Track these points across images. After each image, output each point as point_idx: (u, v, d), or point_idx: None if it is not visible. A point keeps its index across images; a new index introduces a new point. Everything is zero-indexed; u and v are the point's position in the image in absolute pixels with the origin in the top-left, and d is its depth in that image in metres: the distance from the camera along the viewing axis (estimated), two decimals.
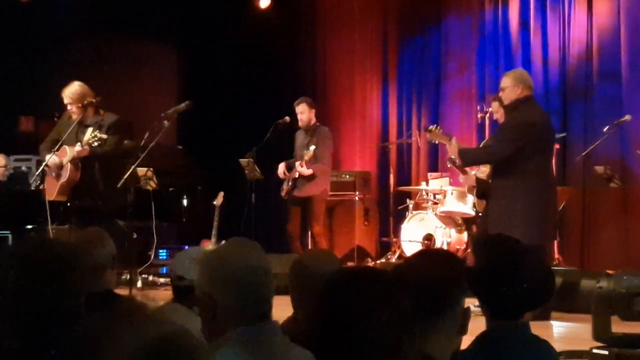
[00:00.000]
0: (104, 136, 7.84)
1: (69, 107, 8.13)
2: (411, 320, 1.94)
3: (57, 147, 8.05)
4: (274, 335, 2.54)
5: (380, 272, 2.11)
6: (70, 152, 7.95)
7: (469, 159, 7.67)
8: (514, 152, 7.06)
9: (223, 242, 2.90)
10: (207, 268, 2.63)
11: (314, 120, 9.54)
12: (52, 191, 8.11)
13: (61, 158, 8.01)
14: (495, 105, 8.13)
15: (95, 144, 7.82)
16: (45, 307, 2.22)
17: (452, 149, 7.57)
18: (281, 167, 9.58)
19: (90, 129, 7.95)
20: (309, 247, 9.44)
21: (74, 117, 8.12)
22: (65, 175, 8.01)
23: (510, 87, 7.30)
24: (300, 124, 9.52)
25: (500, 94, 7.53)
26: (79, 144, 7.87)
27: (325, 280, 2.05)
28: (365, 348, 1.88)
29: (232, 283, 2.53)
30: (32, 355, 2.18)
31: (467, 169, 8.81)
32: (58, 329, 2.18)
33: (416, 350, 2.01)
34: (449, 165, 9.82)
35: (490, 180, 7.67)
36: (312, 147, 9.13)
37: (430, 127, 7.77)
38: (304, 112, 9.47)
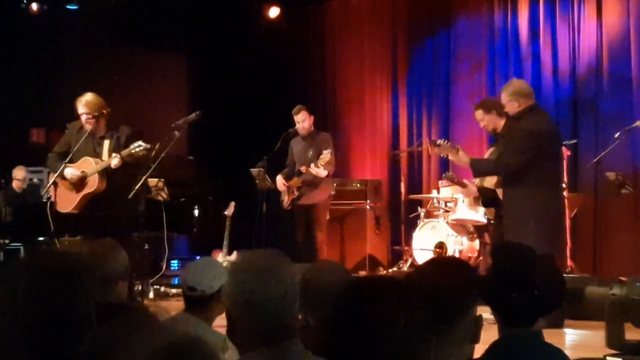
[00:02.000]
0: (149, 145, 7.85)
1: (84, 117, 7.98)
2: (426, 330, 1.93)
3: (68, 158, 7.98)
4: (291, 354, 2.51)
5: (396, 281, 2.10)
6: (99, 163, 7.89)
7: (480, 170, 7.65)
8: (526, 163, 7.05)
9: (249, 253, 2.77)
10: (228, 286, 2.60)
11: (312, 127, 9.51)
12: (68, 202, 8.06)
13: (81, 169, 7.97)
14: (479, 113, 8.08)
15: (140, 154, 7.82)
16: (55, 318, 2.22)
17: (460, 161, 7.54)
18: (279, 179, 9.52)
19: (107, 142, 7.95)
20: (314, 255, 9.35)
21: (88, 127, 7.99)
22: (93, 186, 7.92)
23: (508, 102, 7.30)
24: (302, 132, 9.45)
25: (506, 109, 7.52)
26: (115, 155, 7.80)
27: (340, 290, 2.04)
28: (380, 357, 1.88)
29: (247, 308, 2.50)
30: None
31: (466, 181, 8.81)
32: (68, 339, 2.18)
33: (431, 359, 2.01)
34: (444, 183, 9.83)
35: (496, 189, 7.65)
36: (327, 151, 9.02)
37: (438, 141, 7.77)
38: (305, 120, 9.41)
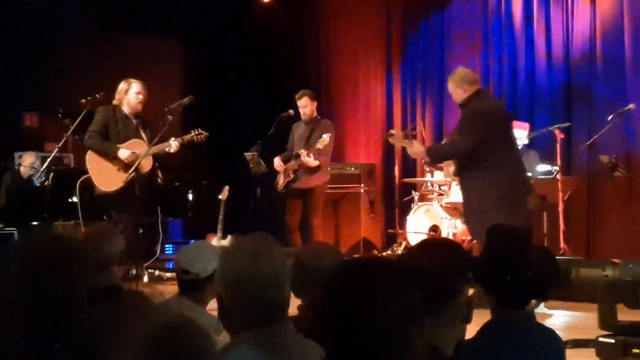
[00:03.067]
0: (207, 133, 8.37)
1: (140, 97, 8.36)
2: (420, 312, 1.94)
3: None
4: (282, 336, 2.51)
5: (389, 262, 2.10)
6: (156, 146, 8.18)
7: (437, 155, 7.71)
8: (479, 143, 7.07)
9: (239, 237, 2.76)
10: (218, 268, 2.60)
11: (315, 113, 9.47)
12: (117, 180, 8.16)
13: (132, 150, 8.18)
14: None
15: (199, 140, 8.40)
16: (47, 301, 2.23)
17: (415, 151, 7.59)
18: (277, 160, 9.50)
19: (141, 130, 8.30)
20: (309, 240, 9.35)
21: (139, 108, 8.36)
22: (146, 167, 8.24)
23: (454, 90, 7.36)
24: (303, 117, 9.41)
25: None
26: (174, 139, 8.21)
27: (335, 270, 2.04)
28: (373, 338, 1.88)
29: (237, 290, 2.50)
30: (36, 348, 2.19)
31: (443, 164, 8.86)
32: (61, 322, 2.19)
33: (424, 341, 2.01)
34: (426, 169, 9.86)
35: (456, 175, 7.68)
36: (327, 135, 9.00)
37: (391, 131, 7.85)
38: (307, 106, 9.36)
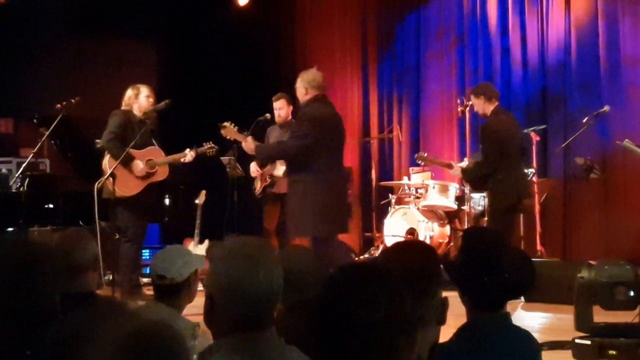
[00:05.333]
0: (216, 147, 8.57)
1: (151, 100, 8.36)
2: (411, 318, 1.93)
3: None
4: (265, 343, 2.49)
5: (384, 269, 2.08)
6: (172, 155, 8.45)
7: (263, 155, 7.84)
8: (305, 148, 7.10)
9: (237, 239, 2.72)
10: (213, 269, 2.56)
11: (290, 117, 9.44)
12: (134, 187, 8.21)
13: (147, 158, 8.25)
14: (471, 97, 8.21)
15: (210, 153, 8.68)
16: (17, 306, 2.21)
17: (248, 148, 7.67)
18: (253, 166, 9.47)
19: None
20: (286, 244, 9.30)
21: (150, 111, 8.31)
22: (163, 175, 8.42)
23: (298, 88, 7.41)
24: (277, 119, 9.37)
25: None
26: (190, 150, 8.48)
27: (330, 277, 2.02)
28: (364, 344, 1.88)
29: (231, 295, 2.47)
30: (8, 355, 2.17)
31: (453, 162, 8.88)
32: (33, 328, 2.17)
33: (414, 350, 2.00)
34: (417, 169, 9.88)
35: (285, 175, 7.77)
36: None
37: (225, 123, 7.94)
38: (282, 108, 9.33)
